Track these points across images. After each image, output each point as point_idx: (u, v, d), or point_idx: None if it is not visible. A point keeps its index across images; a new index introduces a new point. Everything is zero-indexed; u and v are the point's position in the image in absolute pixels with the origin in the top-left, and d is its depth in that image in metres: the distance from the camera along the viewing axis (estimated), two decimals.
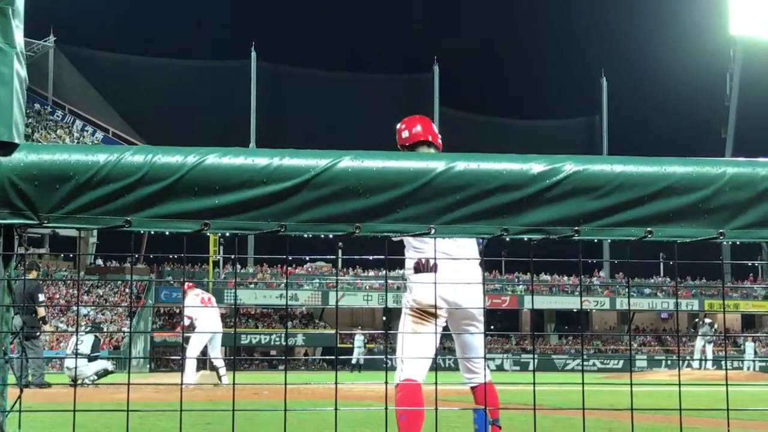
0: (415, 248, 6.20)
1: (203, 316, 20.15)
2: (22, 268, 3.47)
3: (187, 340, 20.38)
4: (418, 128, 6.62)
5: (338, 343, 56.11)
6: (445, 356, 59.30)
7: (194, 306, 20.05)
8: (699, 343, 35.04)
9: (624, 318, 71.65)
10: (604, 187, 3.45)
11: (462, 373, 6.41)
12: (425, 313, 6.08)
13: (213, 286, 53.70)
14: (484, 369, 6.34)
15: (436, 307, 5.97)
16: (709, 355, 34.17)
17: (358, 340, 51.91)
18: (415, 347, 5.95)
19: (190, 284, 22.30)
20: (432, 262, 6.13)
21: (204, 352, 20.24)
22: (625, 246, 3.60)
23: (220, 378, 19.61)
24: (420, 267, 6.21)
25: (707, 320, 37.45)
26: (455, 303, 6.17)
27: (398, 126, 6.68)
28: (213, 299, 21.24)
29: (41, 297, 19.34)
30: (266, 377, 33.40)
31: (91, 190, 3.29)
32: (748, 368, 49.45)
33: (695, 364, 35.20)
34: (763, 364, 55.29)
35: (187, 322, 21.32)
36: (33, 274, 19.60)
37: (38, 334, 19.44)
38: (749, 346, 57.54)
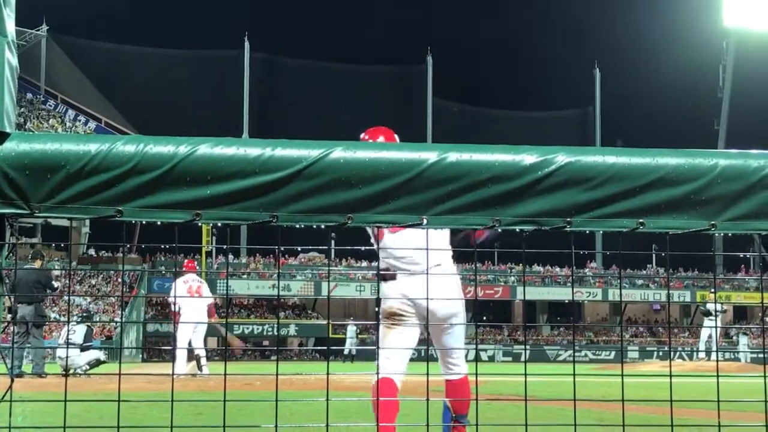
0: (383, 258, 6.33)
1: (188, 304, 20.00)
2: (13, 257, 3.46)
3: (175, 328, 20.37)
4: (381, 140, 6.57)
5: (330, 334, 56.13)
6: (437, 347, 59.37)
7: (181, 296, 19.91)
8: (705, 333, 34.88)
9: (616, 309, 71.78)
10: (597, 178, 3.46)
11: (440, 366, 6.53)
12: (395, 318, 6.27)
13: (206, 277, 53.69)
14: (459, 366, 6.50)
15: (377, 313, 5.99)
16: (714, 344, 33.95)
17: (351, 330, 51.96)
18: (386, 345, 6.25)
19: (192, 265, 22.16)
20: (393, 269, 6.31)
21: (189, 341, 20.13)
22: (617, 237, 3.60)
23: (200, 367, 19.53)
24: (385, 276, 6.37)
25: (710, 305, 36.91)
26: (424, 308, 6.20)
27: (361, 135, 6.71)
28: (203, 287, 20.73)
29: (56, 284, 19.70)
30: (258, 367, 33.41)
31: (83, 179, 3.28)
32: (738, 359, 49.49)
33: (702, 354, 34.94)
34: (754, 355, 55.41)
35: (170, 299, 21.40)
36: (38, 263, 19.67)
37: (45, 323, 19.57)
38: (742, 338, 57.56)
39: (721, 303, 35.57)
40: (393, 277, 6.30)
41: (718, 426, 3.60)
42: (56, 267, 56.43)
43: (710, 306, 35.22)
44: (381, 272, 6.27)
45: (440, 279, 6.11)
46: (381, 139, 6.57)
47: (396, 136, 6.74)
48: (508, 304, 72.33)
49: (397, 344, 6.23)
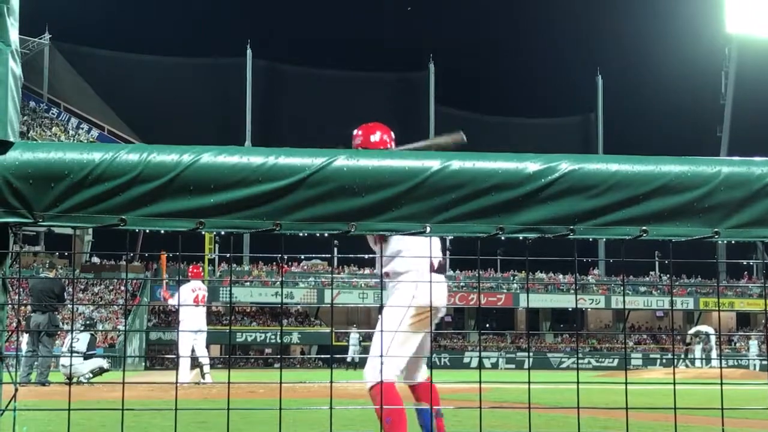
0: (405, 255, 6.00)
1: (188, 312, 19.97)
2: (16, 266, 3.47)
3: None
4: (378, 135, 6.42)
5: (334, 342, 56.08)
6: (440, 354, 59.39)
7: (185, 304, 19.90)
8: (699, 348, 34.95)
9: (619, 316, 71.71)
10: (600, 186, 3.46)
11: (406, 372, 6.15)
12: (427, 316, 5.86)
13: (209, 284, 53.68)
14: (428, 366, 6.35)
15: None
16: (714, 355, 34.01)
17: (354, 338, 51.89)
18: (404, 352, 5.89)
19: (197, 272, 22.13)
20: (435, 263, 5.99)
21: (192, 349, 20.10)
22: (620, 244, 3.60)
23: (203, 375, 19.52)
24: (435, 267, 6.01)
25: (702, 330, 36.75)
26: (443, 307, 6.20)
27: (378, 131, 6.45)
28: (206, 296, 20.70)
29: (66, 295, 19.78)
30: (261, 375, 33.37)
31: (87, 188, 3.29)
32: (747, 366, 49.44)
33: (697, 363, 35.00)
34: (764, 362, 55.31)
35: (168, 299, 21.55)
36: (53, 273, 19.78)
37: (57, 332, 19.65)
38: (753, 345, 57.49)
39: (705, 331, 35.52)
40: (438, 271, 6.04)
41: None
42: (59, 276, 56.54)
43: (698, 329, 35.43)
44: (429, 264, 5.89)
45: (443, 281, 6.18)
46: (378, 134, 6.41)
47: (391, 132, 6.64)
48: (511, 311, 72.25)
49: (413, 352, 5.96)
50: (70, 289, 21.87)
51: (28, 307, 18.87)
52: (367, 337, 57.80)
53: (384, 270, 6.14)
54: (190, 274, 21.62)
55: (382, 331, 5.72)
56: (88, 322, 23.59)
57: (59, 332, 19.53)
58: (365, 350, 53.68)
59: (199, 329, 19.77)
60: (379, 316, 5.96)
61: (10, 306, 3.46)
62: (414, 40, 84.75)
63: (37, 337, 18.87)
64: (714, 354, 34.14)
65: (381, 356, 5.68)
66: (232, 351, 56.74)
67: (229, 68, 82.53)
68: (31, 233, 58.18)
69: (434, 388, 6.15)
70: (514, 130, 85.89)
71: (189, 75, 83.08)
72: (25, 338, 19.23)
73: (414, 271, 5.94)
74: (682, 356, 36.97)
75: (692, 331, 36.29)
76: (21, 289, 19.02)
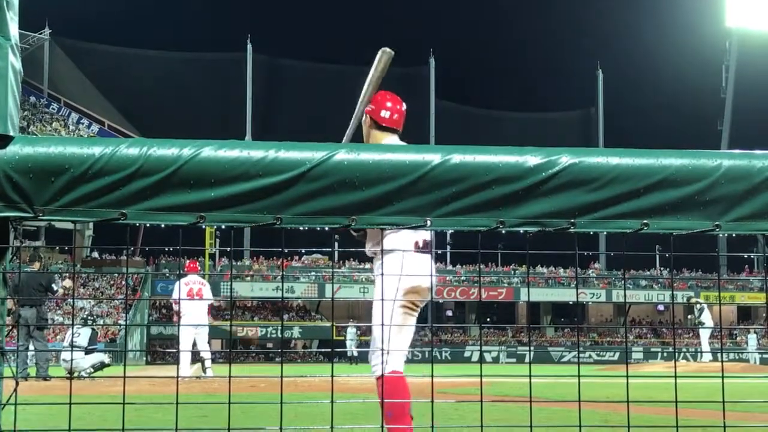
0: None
1: (189, 306, 19.92)
2: (17, 260, 3.47)
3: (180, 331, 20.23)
4: (387, 114, 6.43)
5: (335, 336, 56.09)
6: (441, 348, 59.42)
7: (182, 298, 19.88)
8: (704, 334, 34.76)
9: (620, 310, 71.70)
10: (600, 179, 3.46)
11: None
12: (418, 298, 5.68)
13: (210, 279, 53.68)
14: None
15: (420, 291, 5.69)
16: (705, 344, 33.81)
17: (351, 332, 51.90)
18: (402, 338, 5.66)
19: (193, 267, 22.04)
20: (420, 242, 5.80)
21: (194, 344, 20.04)
22: (621, 238, 3.60)
23: (204, 370, 19.49)
24: (422, 246, 5.80)
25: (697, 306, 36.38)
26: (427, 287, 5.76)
27: (389, 104, 6.47)
28: (204, 289, 20.50)
29: (55, 287, 19.61)
30: (262, 369, 33.39)
31: (87, 182, 3.28)
32: (747, 360, 49.38)
33: (708, 356, 34.85)
34: (764, 356, 55.30)
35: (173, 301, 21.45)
36: (36, 266, 19.66)
37: (48, 326, 19.50)
38: (752, 338, 57.47)
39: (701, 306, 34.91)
40: (427, 251, 5.77)
41: (723, 427, 3.60)
42: (60, 270, 56.53)
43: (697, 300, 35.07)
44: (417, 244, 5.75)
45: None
46: (387, 113, 6.47)
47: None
48: (512, 305, 72.25)
49: (410, 337, 5.74)
50: (64, 282, 21.79)
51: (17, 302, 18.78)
52: (368, 331, 57.59)
53: (370, 250, 6.02)
54: (186, 269, 21.61)
55: (382, 323, 5.47)
56: (89, 317, 23.53)
57: (51, 326, 19.39)
58: (363, 344, 53.71)
59: (200, 323, 19.68)
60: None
61: (11, 301, 3.46)
62: (414, 34, 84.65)
63: (28, 332, 18.80)
64: (708, 321, 33.71)
65: (382, 348, 5.60)
66: (233, 345, 56.78)
67: (229, 63, 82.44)
68: (32, 228, 58.12)
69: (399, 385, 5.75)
70: (515, 125, 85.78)
71: (189, 70, 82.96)
72: (16, 333, 19.16)
73: (398, 252, 5.64)
74: (681, 349, 36.89)
75: (696, 300, 35.90)
76: (19, 284, 18.90)
